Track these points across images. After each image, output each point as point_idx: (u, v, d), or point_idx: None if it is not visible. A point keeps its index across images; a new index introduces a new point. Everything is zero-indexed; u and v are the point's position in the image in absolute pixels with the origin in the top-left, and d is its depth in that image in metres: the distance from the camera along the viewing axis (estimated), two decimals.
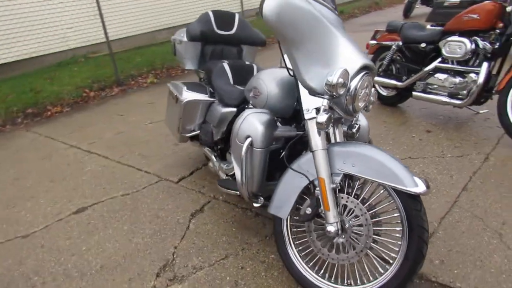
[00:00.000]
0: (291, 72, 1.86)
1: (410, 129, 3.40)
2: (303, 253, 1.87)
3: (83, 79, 6.15)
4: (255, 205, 2.01)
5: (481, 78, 2.92)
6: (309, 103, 1.69)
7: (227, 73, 2.70)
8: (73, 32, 7.48)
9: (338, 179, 1.67)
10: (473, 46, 2.99)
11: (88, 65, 7.03)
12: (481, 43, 2.97)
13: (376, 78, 3.81)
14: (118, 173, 3.33)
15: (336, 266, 1.85)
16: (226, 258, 2.17)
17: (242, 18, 3.01)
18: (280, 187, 1.82)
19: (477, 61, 3.04)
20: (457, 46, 3.05)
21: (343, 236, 1.70)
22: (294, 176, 1.78)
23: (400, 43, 3.62)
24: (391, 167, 1.57)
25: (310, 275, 1.81)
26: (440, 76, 3.26)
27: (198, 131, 2.82)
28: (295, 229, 1.90)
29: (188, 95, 2.70)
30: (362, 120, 2.00)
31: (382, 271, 1.68)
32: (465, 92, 3.05)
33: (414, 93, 3.47)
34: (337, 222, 1.66)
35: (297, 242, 1.89)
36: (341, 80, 1.55)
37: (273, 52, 3.26)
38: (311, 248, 1.86)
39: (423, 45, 3.43)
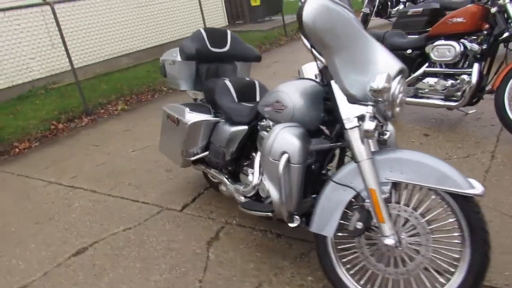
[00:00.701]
0: (320, 80, 1.81)
1: (407, 135, 3.43)
2: (351, 271, 1.77)
3: (49, 111, 5.78)
4: (291, 225, 1.89)
5: (474, 79, 3.01)
6: (349, 112, 1.62)
7: (231, 91, 2.60)
8: (36, 62, 7.06)
9: (387, 188, 1.60)
10: (462, 48, 3.08)
11: (51, 97, 6.64)
12: (469, 45, 3.06)
13: None
14: (112, 207, 3.09)
15: (388, 282, 1.76)
16: (260, 287, 2.02)
17: (234, 35, 2.93)
18: (322, 202, 1.72)
19: (467, 62, 3.13)
20: (446, 49, 3.14)
21: (400, 248, 1.62)
22: (337, 189, 1.69)
23: None
24: (443, 170, 1.51)
25: None
26: (430, 80, 3.33)
27: (203, 154, 2.68)
28: (339, 247, 1.79)
29: (192, 117, 2.55)
30: (389, 126, 1.96)
31: (444, 281, 1.61)
32: (459, 93, 3.12)
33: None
34: (393, 234, 1.58)
35: (344, 260, 1.78)
36: (386, 85, 1.50)
37: (257, 65, 3.18)
38: (359, 265, 1.76)
39: (409, 51, 3.50)
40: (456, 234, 1.57)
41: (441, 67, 3.27)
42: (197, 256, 2.32)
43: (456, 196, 1.52)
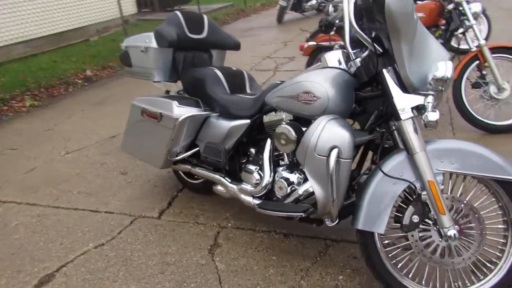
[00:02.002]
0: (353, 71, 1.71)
1: None
2: (399, 266, 1.71)
3: None
4: (330, 224, 1.76)
5: None
6: (404, 102, 1.55)
7: (222, 81, 2.35)
8: None
9: (441, 179, 1.56)
10: None
11: None
12: None
13: None
14: (67, 221, 2.59)
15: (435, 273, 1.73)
16: None
17: (211, 20, 2.65)
18: (370, 197, 1.62)
19: None
20: None
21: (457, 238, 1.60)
22: (387, 183, 1.61)
23: (341, 42, 3.72)
24: (493, 159, 1.53)
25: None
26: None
27: (189, 152, 2.38)
28: (385, 242, 1.72)
29: (182, 111, 2.24)
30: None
31: (492, 267, 1.63)
32: None
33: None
34: (453, 225, 1.55)
35: (390, 255, 1.71)
36: (450, 74, 1.47)
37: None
38: (406, 259, 1.71)
39: None
40: (501, 220, 1.61)
41: None
42: (204, 268, 2.05)
43: (503, 183, 1.55)
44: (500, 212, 1.62)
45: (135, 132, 2.57)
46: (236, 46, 2.70)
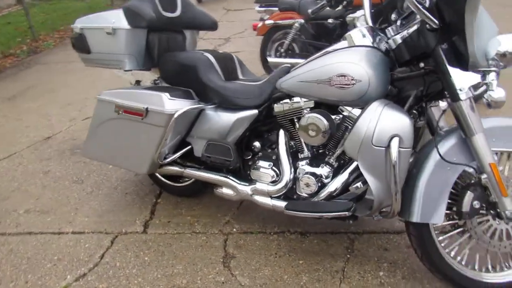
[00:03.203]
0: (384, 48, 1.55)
1: None
2: (452, 255, 1.61)
3: None
4: (388, 219, 1.59)
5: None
6: (463, 81, 1.42)
7: (216, 67, 2.02)
8: None
9: (496, 160, 1.49)
10: None
11: None
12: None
13: (281, 60, 3.64)
14: (24, 250, 2.07)
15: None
16: None
17: None
18: (423, 186, 1.48)
19: None
20: None
21: None
22: (443, 168, 1.48)
23: (302, 21, 3.55)
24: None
25: (481, 276, 1.59)
26: None
27: (181, 152, 2.04)
28: (437, 232, 1.61)
29: (176, 105, 1.87)
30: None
31: None
32: None
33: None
34: None
35: (444, 244, 1.61)
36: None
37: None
38: (458, 247, 1.62)
39: (330, 21, 3.46)
40: None
41: None
42: (226, 286, 1.76)
43: None
44: None
45: (105, 133, 2.11)
46: (213, 26, 2.35)
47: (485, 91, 1.40)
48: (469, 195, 1.50)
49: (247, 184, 1.91)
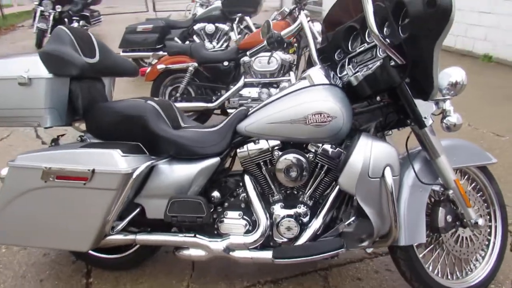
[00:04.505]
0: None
1: None
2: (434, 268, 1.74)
3: None
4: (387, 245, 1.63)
5: None
6: (426, 110, 1.59)
7: (163, 117, 1.82)
8: None
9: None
10: (280, 59, 3.42)
11: None
12: (284, 56, 3.43)
13: (181, 104, 3.50)
14: None
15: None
16: None
17: (99, 39, 2.00)
18: (406, 209, 1.59)
19: (282, 71, 3.49)
20: (267, 60, 3.38)
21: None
22: (417, 190, 1.62)
23: (196, 64, 3.50)
24: (473, 147, 1.77)
25: (455, 284, 1.75)
26: (251, 90, 3.47)
27: (130, 216, 1.74)
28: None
29: (131, 162, 1.59)
30: None
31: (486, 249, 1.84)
32: None
33: (229, 110, 3.53)
34: (479, 214, 1.72)
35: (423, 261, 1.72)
36: (464, 78, 1.59)
37: None
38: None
39: (226, 63, 3.50)
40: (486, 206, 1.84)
41: (261, 77, 3.49)
42: None
43: (483, 169, 1.83)
44: (484, 204, 1.82)
45: (21, 208, 1.65)
46: (135, 72, 2.13)
47: (444, 117, 1.60)
48: (441, 211, 1.64)
49: (219, 240, 1.73)
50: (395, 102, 1.61)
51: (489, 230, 1.84)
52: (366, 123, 1.74)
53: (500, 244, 1.83)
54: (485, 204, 1.83)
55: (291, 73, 3.48)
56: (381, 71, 1.55)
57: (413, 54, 1.47)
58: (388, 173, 1.49)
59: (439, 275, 1.74)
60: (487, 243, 1.83)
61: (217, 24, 5.50)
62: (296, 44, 3.46)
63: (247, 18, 5.52)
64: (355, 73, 1.65)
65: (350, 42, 1.79)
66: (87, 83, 1.85)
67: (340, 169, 1.56)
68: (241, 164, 1.77)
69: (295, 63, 3.49)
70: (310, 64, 2.00)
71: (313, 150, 1.67)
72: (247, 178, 1.76)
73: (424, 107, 1.57)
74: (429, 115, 1.57)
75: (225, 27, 5.50)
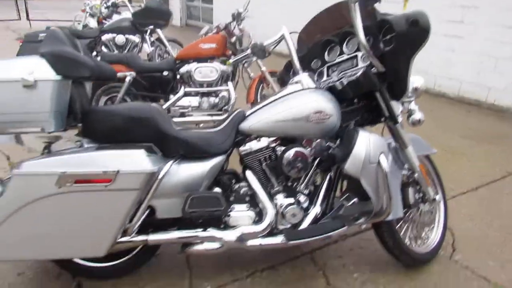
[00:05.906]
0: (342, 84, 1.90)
1: None
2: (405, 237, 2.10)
3: None
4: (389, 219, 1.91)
5: (233, 93, 3.59)
6: (398, 109, 1.94)
7: (169, 118, 1.86)
8: None
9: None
10: (219, 70, 3.56)
11: None
12: (222, 67, 3.58)
13: None
14: None
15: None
16: None
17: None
18: (391, 191, 1.92)
19: (220, 81, 3.63)
20: (209, 70, 3.48)
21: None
22: (394, 175, 1.96)
23: (134, 73, 3.43)
24: (422, 141, 2.19)
25: (420, 249, 2.14)
26: (191, 99, 3.53)
27: (142, 217, 1.74)
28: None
29: (155, 162, 1.62)
30: None
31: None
32: (223, 107, 3.60)
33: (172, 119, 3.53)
34: (436, 191, 2.14)
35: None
36: (423, 84, 2.01)
37: None
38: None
39: (165, 73, 3.50)
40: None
41: (201, 86, 3.59)
42: None
43: (427, 157, 2.28)
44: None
45: (27, 219, 1.52)
46: (114, 76, 2.08)
47: (410, 115, 1.99)
48: (411, 191, 2.04)
49: (231, 231, 1.83)
50: (370, 103, 1.94)
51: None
52: (347, 121, 2.03)
53: (443, 214, 2.29)
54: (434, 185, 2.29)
55: (229, 83, 3.67)
56: (364, 77, 1.84)
57: (394, 63, 1.81)
58: (383, 159, 1.81)
59: (409, 243, 2.12)
60: (437, 214, 2.28)
61: (127, 36, 5.39)
62: (232, 56, 3.69)
63: (158, 30, 5.52)
64: (340, 79, 1.94)
65: (327, 53, 2.10)
66: (77, 87, 1.79)
67: (344, 158, 1.82)
68: (241, 161, 1.92)
69: (231, 73, 3.69)
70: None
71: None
72: (249, 173, 1.91)
73: (397, 107, 1.93)
74: (399, 113, 1.94)
75: (135, 38, 5.41)
